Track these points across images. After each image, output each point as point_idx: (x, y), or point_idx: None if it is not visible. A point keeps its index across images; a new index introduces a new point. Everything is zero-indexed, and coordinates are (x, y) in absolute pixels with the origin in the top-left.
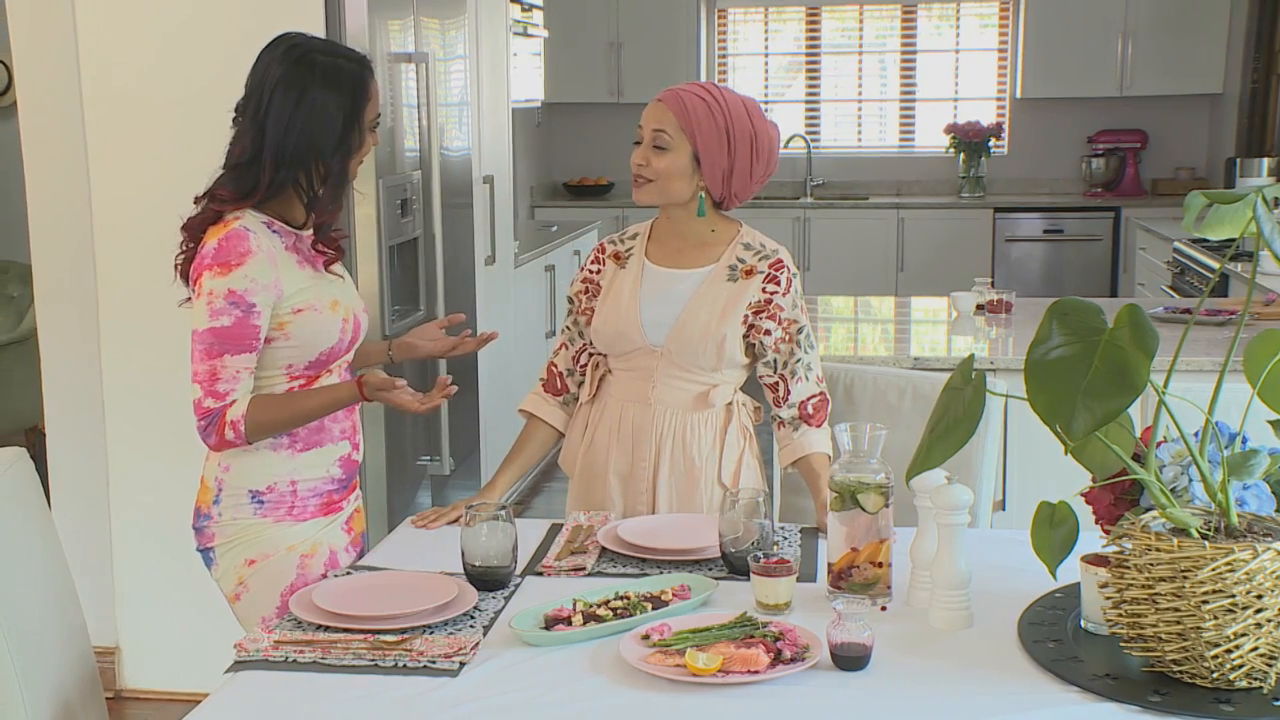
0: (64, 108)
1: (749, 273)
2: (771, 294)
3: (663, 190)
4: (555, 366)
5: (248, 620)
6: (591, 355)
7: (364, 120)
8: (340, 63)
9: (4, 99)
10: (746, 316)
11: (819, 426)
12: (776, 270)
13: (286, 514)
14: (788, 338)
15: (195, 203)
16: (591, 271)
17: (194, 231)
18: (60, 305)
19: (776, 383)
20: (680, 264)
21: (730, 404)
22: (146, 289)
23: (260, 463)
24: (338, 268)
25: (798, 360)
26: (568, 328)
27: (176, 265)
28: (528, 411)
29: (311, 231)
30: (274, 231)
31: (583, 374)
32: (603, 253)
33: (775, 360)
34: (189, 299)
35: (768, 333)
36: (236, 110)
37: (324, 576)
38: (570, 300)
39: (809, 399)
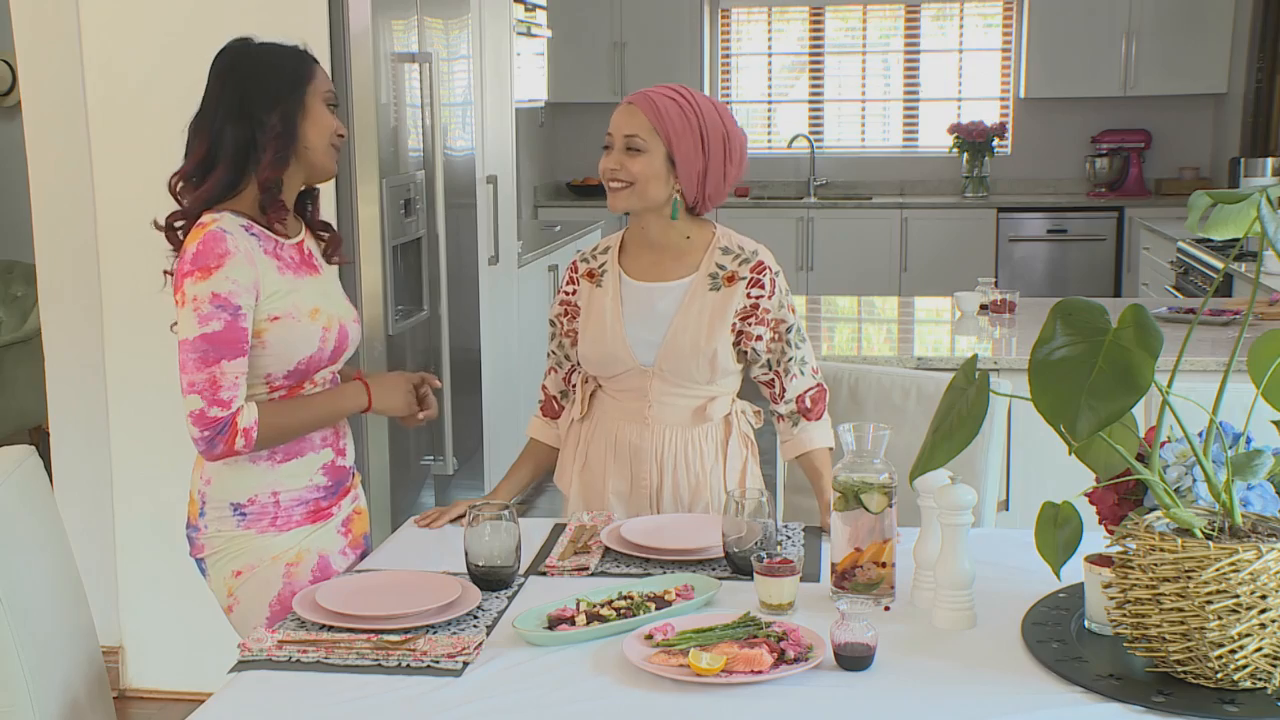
0: (68, 108)
1: (731, 279)
2: (757, 299)
3: (640, 194)
4: (547, 390)
5: (243, 633)
6: (574, 372)
7: (310, 86)
8: (277, 46)
9: (8, 99)
10: (735, 325)
11: (818, 419)
12: (759, 273)
13: (270, 525)
14: (777, 337)
15: (170, 220)
16: (567, 293)
17: (178, 241)
18: (64, 305)
19: (772, 380)
20: (658, 276)
21: (729, 415)
22: (150, 289)
23: (240, 475)
24: (328, 270)
25: (789, 358)
26: (553, 351)
27: (167, 274)
28: (531, 437)
29: (297, 239)
30: (252, 234)
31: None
32: (575, 271)
33: (769, 361)
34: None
35: (759, 338)
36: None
37: (311, 583)
38: (552, 323)
39: (806, 392)
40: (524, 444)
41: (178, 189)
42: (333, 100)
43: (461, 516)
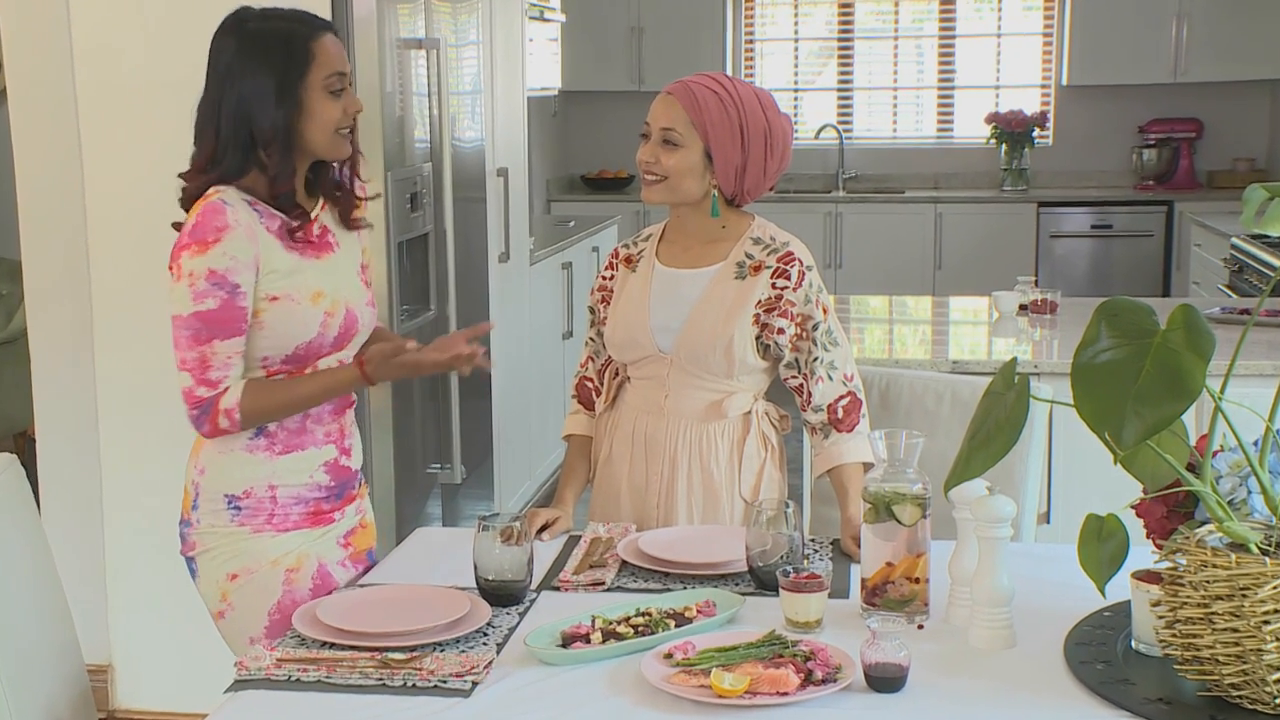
0: (56, 96)
1: (757, 269)
2: (781, 289)
3: (673, 189)
4: (589, 381)
5: (234, 641)
6: (611, 362)
7: (306, 80)
8: (273, 24)
9: None
10: (758, 316)
11: (850, 431)
12: (786, 264)
13: (266, 522)
14: (803, 335)
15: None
16: (605, 278)
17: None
18: (52, 304)
19: (801, 384)
20: (689, 263)
21: (749, 413)
22: (142, 287)
23: (236, 465)
24: (346, 245)
25: (816, 359)
26: (591, 339)
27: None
28: (572, 435)
29: (306, 222)
30: (255, 210)
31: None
32: (616, 257)
33: (796, 360)
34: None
35: (781, 331)
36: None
37: (312, 591)
38: (591, 311)
39: (837, 401)
40: (534, 448)
41: (188, 177)
42: (337, 85)
43: (544, 529)
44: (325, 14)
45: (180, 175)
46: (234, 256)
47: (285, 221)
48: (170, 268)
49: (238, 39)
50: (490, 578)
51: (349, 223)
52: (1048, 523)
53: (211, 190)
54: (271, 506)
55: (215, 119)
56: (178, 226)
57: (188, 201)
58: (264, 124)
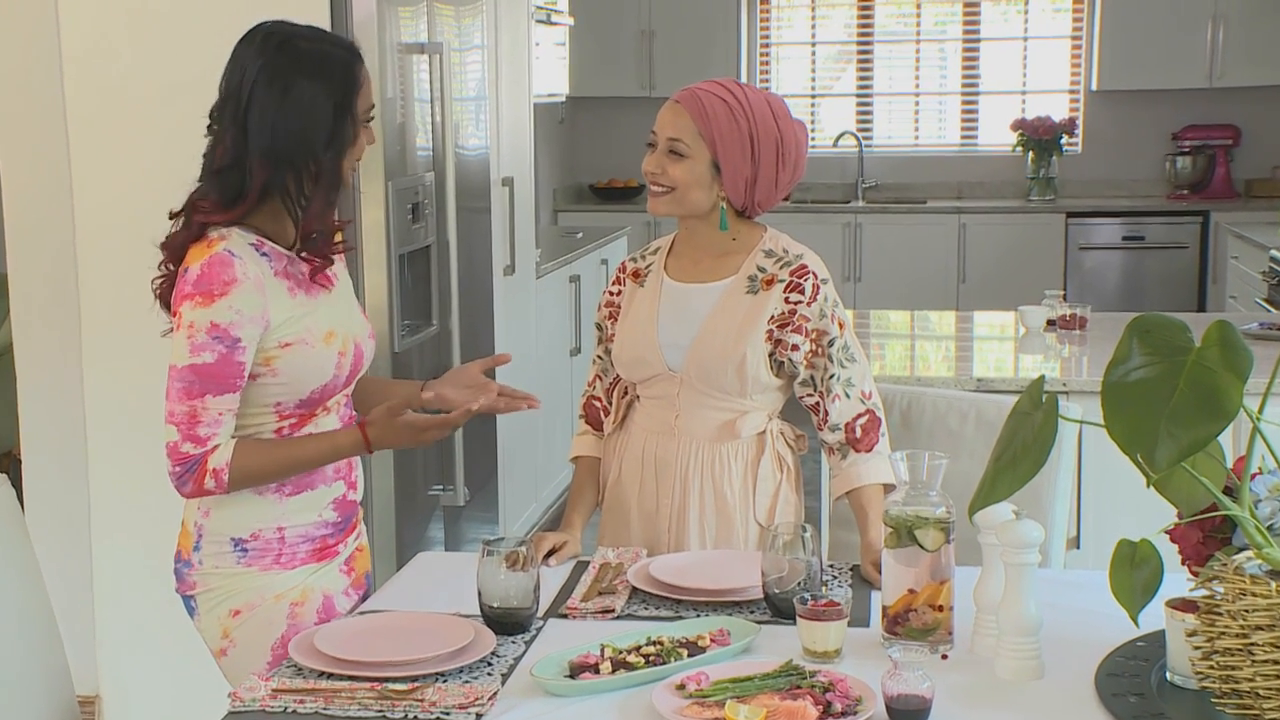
0: (44, 102)
1: (770, 283)
2: (795, 304)
3: (680, 201)
4: (597, 400)
5: (236, 679)
6: (619, 381)
7: (356, 112)
8: (326, 49)
9: None
10: (771, 332)
11: (869, 451)
12: (799, 277)
13: (274, 562)
14: (818, 351)
15: (172, 218)
16: (612, 294)
17: (175, 251)
18: (39, 318)
19: (817, 403)
20: (699, 277)
21: (763, 433)
22: (133, 302)
23: (244, 508)
24: (342, 277)
25: (832, 376)
26: (599, 357)
27: (155, 290)
28: (579, 456)
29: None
30: (263, 254)
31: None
32: (623, 272)
33: (812, 378)
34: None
35: (795, 348)
36: (211, 115)
37: (317, 624)
38: (598, 327)
39: (855, 419)
40: (541, 469)
41: (195, 197)
42: (370, 117)
43: (551, 554)
44: (324, 15)
45: (194, 202)
46: (239, 311)
47: (290, 257)
48: (172, 314)
49: (293, 58)
50: (495, 605)
51: (331, 250)
52: (1077, 548)
53: (216, 237)
54: (279, 547)
55: (264, 136)
56: (166, 248)
57: (194, 233)
58: (320, 156)
